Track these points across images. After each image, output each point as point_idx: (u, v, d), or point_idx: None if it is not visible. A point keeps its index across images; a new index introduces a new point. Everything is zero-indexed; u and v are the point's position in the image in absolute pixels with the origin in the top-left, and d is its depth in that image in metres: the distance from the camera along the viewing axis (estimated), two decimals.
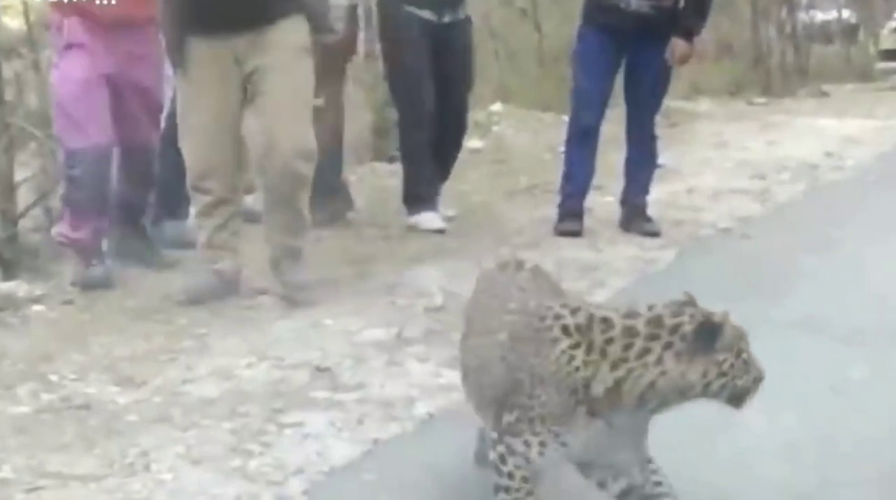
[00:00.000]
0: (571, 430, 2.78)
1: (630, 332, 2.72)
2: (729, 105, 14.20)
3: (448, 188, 7.24)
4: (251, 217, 6.18)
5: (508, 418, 2.84)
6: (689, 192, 8.35)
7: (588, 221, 7.14)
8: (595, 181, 7.26)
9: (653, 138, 7.15)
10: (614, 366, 2.71)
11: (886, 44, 18.64)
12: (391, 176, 7.53)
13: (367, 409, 4.07)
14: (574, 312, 2.80)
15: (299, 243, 5.47)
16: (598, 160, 7.17)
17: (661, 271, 6.25)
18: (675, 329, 2.70)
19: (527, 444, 2.82)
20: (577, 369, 2.73)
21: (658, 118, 7.41)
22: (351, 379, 4.38)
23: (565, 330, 2.77)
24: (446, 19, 6.96)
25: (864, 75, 21.01)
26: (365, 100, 9.36)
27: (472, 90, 7.44)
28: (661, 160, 8.10)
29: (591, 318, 2.77)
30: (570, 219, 6.99)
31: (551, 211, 7.14)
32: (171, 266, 6.05)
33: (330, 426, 3.91)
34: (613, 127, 7.48)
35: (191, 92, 5.31)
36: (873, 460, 3.53)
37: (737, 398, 2.79)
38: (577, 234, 6.88)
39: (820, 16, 24.60)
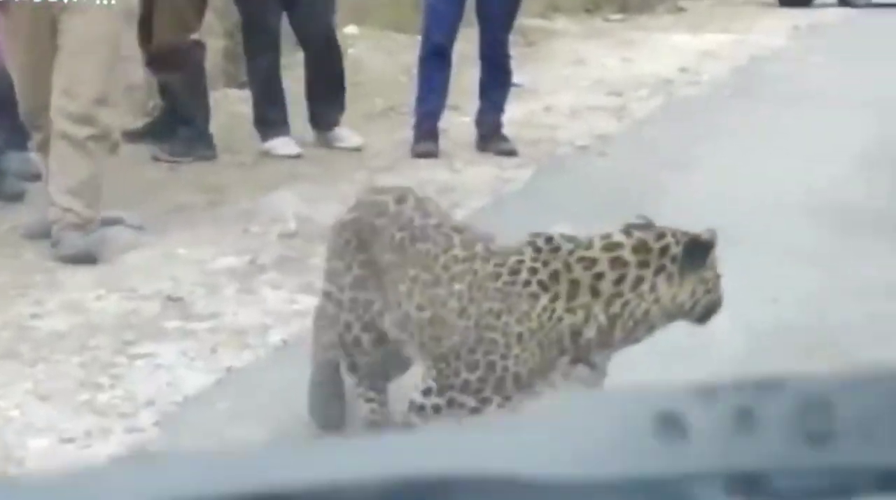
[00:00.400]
0: (550, 382, 2.72)
1: (618, 263, 2.66)
2: (586, 23, 14.19)
3: (301, 112, 7.14)
4: None
5: (467, 375, 2.74)
6: (545, 110, 8.33)
7: (445, 143, 7.10)
8: (450, 101, 7.22)
9: (506, 57, 7.08)
10: (608, 303, 2.65)
11: None
12: (243, 102, 7.39)
13: (220, 338, 4.02)
14: (546, 261, 2.71)
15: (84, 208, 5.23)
16: (452, 80, 7.12)
17: (518, 190, 6.25)
18: (663, 252, 2.66)
19: (484, 402, 2.74)
20: (561, 319, 2.67)
21: (513, 37, 7.38)
22: (204, 308, 4.33)
23: (542, 285, 2.68)
24: None
25: None
26: (216, 25, 9.18)
27: (335, 12, 7.35)
28: (517, 79, 8.08)
29: (566, 262, 2.69)
30: (426, 140, 6.92)
31: (408, 133, 7.08)
32: (17, 198, 5.88)
33: (182, 355, 3.86)
34: (468, 46, 7.42)
35: (9, 33, 5.18)
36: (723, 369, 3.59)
37: (709, 314, 2.78)
38: (433, 155, 6.83)
39: None
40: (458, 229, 2.96)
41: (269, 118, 6.95)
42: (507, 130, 7.09)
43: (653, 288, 2.65)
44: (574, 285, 2.67)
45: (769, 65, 10.63)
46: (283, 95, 7.03)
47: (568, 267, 2.68)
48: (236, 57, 7.95)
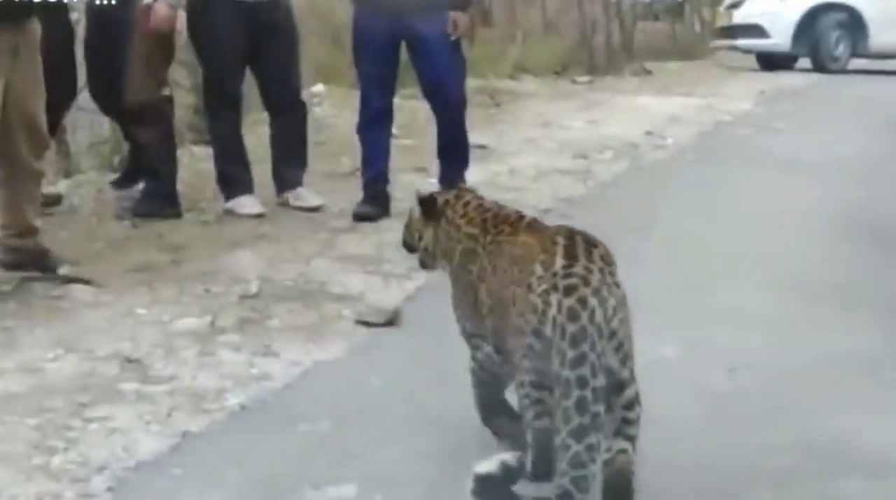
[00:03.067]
0: None
1: None
2: (554, 84, 14.29)
3: (265, 172, 7.13)
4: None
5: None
6: (510, 172, 8.35)
7: (410, 203, 7.09)
8: (416, 163, 7.23)
9: (461, 127, 7.04)
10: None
11: (722, 21, 19.03)
12: (208, 159, 7.40)
13: (177, 401, 3.99)
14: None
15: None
16: (425, 141, 7.12)
17: None
18: None
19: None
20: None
21: (480, 97, 7.42)
22: (162, 370, 4.30)
23: None
24: None
25: (689, 53, 21.37)
26: (184, 80, 9.21)
27: (300, 71, 7.36)
28: (483, 141, 8.13)
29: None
30: (369, 203, 6.87)
31: None
32: None
33: (138, 419, 3.82)
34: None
35: None
36: (679, 437, 3.58)
37: None
38: (372, 218, 6.76)
39: None
40: None
41: (232, 177, 6.95)
42: None
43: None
44: None
45: (734, 129, 10.70)
46: (246, 154, 7.03)
47: None
48: (202, 113, 7.95)
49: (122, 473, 3.43)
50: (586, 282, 2.98)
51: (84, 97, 7.21)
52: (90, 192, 7.36)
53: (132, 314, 4.97)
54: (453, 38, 6.75)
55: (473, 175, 7.26)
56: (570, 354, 2.87)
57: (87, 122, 14.04)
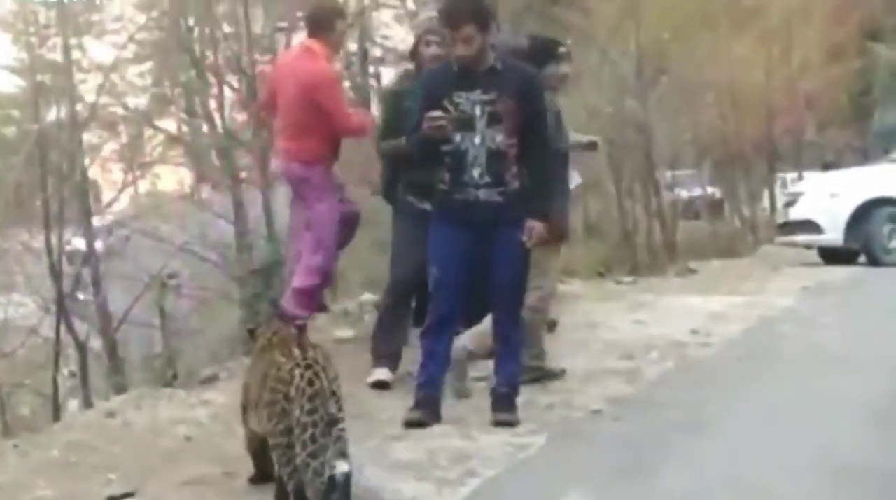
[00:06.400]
0: None
1: None
2: (599, 285, 14.38)
3: None
4: None
5: None
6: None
7: (463, 409, 7.16)
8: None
9: (516, 329, 7.13)
10: None
11: (782, 218, 19.26)
12: None
13: None
14: None
15: None
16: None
17: (532, 456, 6.26)
18: None
19: None
20: None
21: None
22: None
23: None
24: None
25: (731, 250, 21.47)
26: (234, 293, 9.36)
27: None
28: None
29: None
30: (420, 408, 6.91)
31: None
32: None
33: None
34: None
35: None
36: None
37: None
38: (422, 424, 6.80)
39: (685, 194, 25.24)
40: None
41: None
42: (521, 397, 7.10)
43: None
44: None
45: (779, 325, 10.70)
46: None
47: None
48: (256, 325, 8.05)
49: None
50: (317, 362, 5.09)
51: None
52: (144, 406, 7.43)
53: None
54: (527, 246, 6.93)
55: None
56: (308, 406, 4.94)
57: (138, 336, 14.27)
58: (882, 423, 6.78)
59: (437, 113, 6.69)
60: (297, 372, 5.02)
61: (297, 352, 5.14)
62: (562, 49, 8.16)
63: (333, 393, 5.01)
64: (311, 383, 4.98)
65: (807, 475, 5.66)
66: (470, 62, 6.81)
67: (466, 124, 6.78)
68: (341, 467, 4.90)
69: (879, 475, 5.68)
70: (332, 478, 4.88)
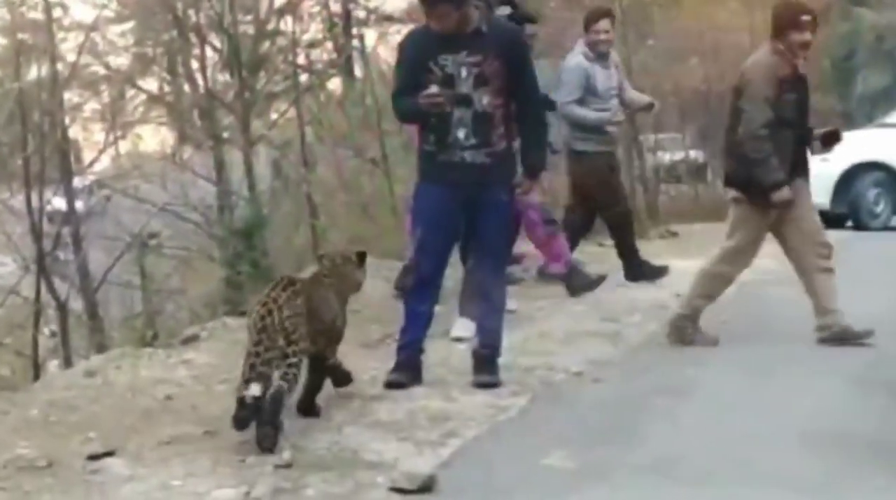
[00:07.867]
0: None
1: None
2: (581, 248, 14.34)
3: None
4: None
5: None
6: (540, 336, 8.38)
7: (443, 370, 7.14)
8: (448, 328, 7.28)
9: (498, 287, 7.14)
10: None
11: None
12: (243, 330, 7.45)
13: None
14: None
15: None
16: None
17: (513, 417, 6.25)
18: None
19: None
20: None
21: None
22: None
23: None
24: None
25: (714, 214, 21.44)
26: (216, 253, 9.33)
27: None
28: (511, 305, 8.16)
29: None
30: (401, 370, 6.91)
31: None
32: None
33: None
34: None
35: None
36: None
37: None
38: (403, 385, 6.79)
39: (668, 157, 25.20)
40: None
41: None
42: (502, 358, 7.08)
43: None
44: None
45: (763, 289, 10.69)
46: None
47: None
48: (236, 285, 8.05)
49: None
50: (274, 302, 5.78)
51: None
52: (124, 365, 7.40)
53: (168, 487, 5.00)
54: (518, 192, 6.98)
55: (505, 340, 7.27)
56: (255, 338, 5.66)
57: (119, 296, 14.23)
58: (866, 387, 6.79)
59: (435, 89, 6.64)
60: (255, 309, 5.83)
61: (272, 292, 5.86)
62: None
63: (284, 329, 5.72)
64: (262, 318, 5.70)
65: (789, 438, 5.67)
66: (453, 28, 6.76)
67: (450, 86, 6.74)
68: (252, 389, 5.48)
69: (861, 437, 5.69)
70: (241, 399, 5.50)
